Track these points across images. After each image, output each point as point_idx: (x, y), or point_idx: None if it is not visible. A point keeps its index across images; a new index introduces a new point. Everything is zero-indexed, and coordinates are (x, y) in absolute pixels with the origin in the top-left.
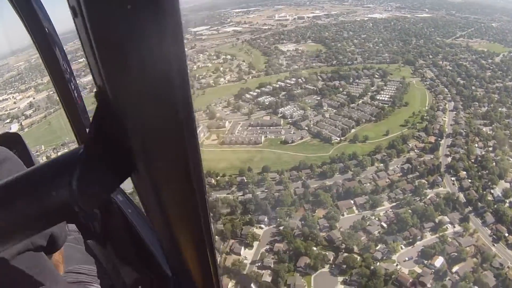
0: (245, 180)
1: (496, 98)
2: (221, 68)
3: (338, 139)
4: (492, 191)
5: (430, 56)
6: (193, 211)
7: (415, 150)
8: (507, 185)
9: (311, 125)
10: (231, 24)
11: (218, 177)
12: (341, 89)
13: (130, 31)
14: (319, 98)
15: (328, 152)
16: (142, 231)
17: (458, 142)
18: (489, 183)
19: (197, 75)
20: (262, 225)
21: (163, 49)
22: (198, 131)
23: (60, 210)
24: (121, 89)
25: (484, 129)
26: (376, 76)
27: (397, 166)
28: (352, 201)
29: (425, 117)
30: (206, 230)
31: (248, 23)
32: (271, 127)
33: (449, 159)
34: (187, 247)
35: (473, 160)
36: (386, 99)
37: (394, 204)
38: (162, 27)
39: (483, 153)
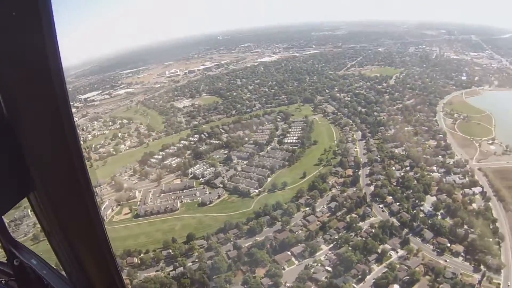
0: (172, 253)
1: (400, 119)
2: (119, 134)
3: (257, 191)
4: (422, 208)
5: (327, 91)
6: (88, 220)
7: (337, 187)
8: (434, 198)
9: (226, 182)
10: (122, 86)
11: (142, 255)
12: (246, 138)
13: (26, 65)
14: (226, 151)
15: (250, 207)
16: (55, 285)
17: (375, 169)
18: (417, 201)
19: (93, 145)
20: None
21: (49, 82)
22: (96, 195)
23: None
24: (20, 115)
25: (396, 151)
26: (279, 119)
27: (323, 207)
28: (289, 253)
29: (337, 151)
30: (104, 243)
31: (139, 83)
32: (184, 191)
33: (372, 187)
34: (90, 263)
35: (395, 183)
36: (294, 141)
37: (332, 245)
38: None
39: (402, 174)
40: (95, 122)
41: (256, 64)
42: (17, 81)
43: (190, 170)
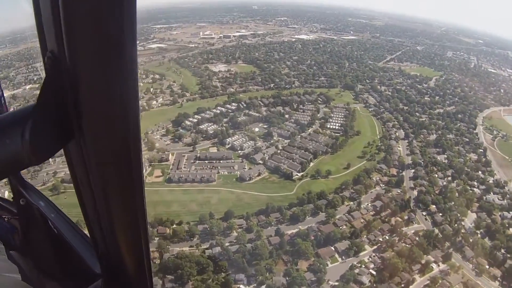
0: (208, 229)
1: (441, 125)
2: (152, 89)
3: (299, 174)
4: (463, 223)
5: (367, 81)
6: (130, 193)
7: (381, 185)
8: (474, 215)
9: (266, 159)
10: (155, 40)
11: (174, 225)
12: (287, 116)
13: (95, 9)
14: (266, 126)
15: (292, 191)
16: (67, 235)
17: (419, 173)
18: (459, 215)
19: None
20: (242, 286)
21: (119, 31)
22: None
23: (12, 160)
24: (79, 57)
25: (438, 157)
26: (319, 101)
27: (368, 204)
28: (332, 248)
29: (380, 147)
30: (140, 206)
31: (172, 40)
32: (221, 161)
33: (415, 192)
34: (120, 228)
35: (437, 192)
36: (337, 127)
37: (375, 247)
38: (120, 11)
39: (445, 183)
40: None
41: (293, 40)
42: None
43: (228, 140)
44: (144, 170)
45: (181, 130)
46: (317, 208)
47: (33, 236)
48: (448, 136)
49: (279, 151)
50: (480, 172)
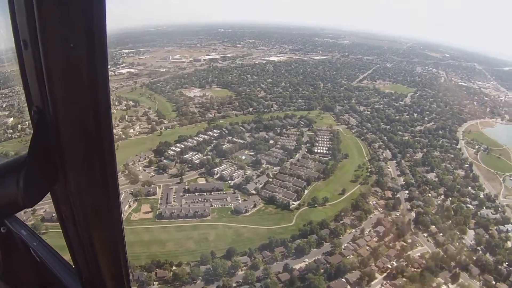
0: (212, 270)
1: (425, 142)
2: (127, 116)
3: (295, 203)
4: (463, 241)
5: (345, 101)
6: (110, 225)
7: (379, 209)
8: (472, 232)
9: (260, 189)
10: (124, 65)
11: (174, 267)
12: (271, 141)
13: (72, 63)
14: (252, 153)
15: (292, 221)
16: (50, 263)
17: (413, 194)
18: (458, 234)
19: None
20: None
21: (93, 80)
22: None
23: (7, 204)
24: (61, 111)
25: (428, 176)
26: (302, 125)
27: (371, 230)
28: (344, 279)
29: (371, 169)
30: (119, 234)
31: (142, 64)
32: (212, 193)
33: (413, 213)
34: (102, 255)
35: (434, 212)
36: (324, 151)
37: (385, 274)
38: (93, 61)
39: (439, 202)
40: None
41: (264, 62)
42: (61, 72)
43: (215, 169)
44: (125, 206)
45: (164, 160)
46: (321, 239)
47: (15, 264)
48: (433, 153)
49: (271, 180)
50: (469, 187)
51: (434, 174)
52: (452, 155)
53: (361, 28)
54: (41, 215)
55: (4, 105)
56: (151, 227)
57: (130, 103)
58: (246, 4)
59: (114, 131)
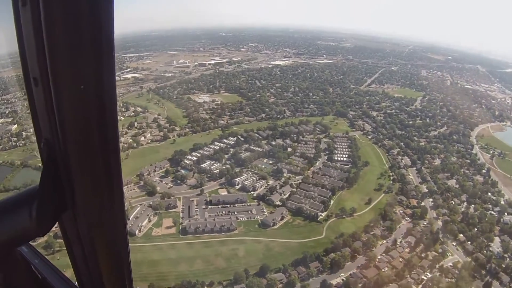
0: None
1: (441, 148)
2: (136, 123)
3: (323, 214)
4: (491, 249)
5: (357, 106)
6: (116, 247)
7: (406, 218)
8: (497, 239)
9: (285, 200)
10: (128, 70)
11: None
12: (290, 149)
13: (81, 99)
14: (271, 162)
15: (322, 234)
16: (52, 280)
17: (438, 202)
18: (486, 241)
19: None
20: None
21: (101, 114)
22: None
23: (21, 233)
24: (70, 143)
25: (449, 182)
26: (318, 131)
27: (402, 241)
28: None
29: (393, 177)
30: (125, 253)
31: (146, 69)
32: (236, 205)
33: (440, 222)
34: (107, 273)
35: (460, 219)
36: (344, 159)
37: (421, 286)
38: (101, 99)
39: (463, 209)
40: None
41: (270, 66)
42: (70, 107)
43: (236, 180)
44: (144, 220)
45: (182, 170)
46: (354, 251)
47: (16, 281)
48: (451, 159)
49: (295, 190)
50: (489, 193)
51: (454, 180)
52: (468, 161)
53: (361, 30)
54: (53, 232)
55: (6, 112)
56: (175, 243)
57: (138, 109)
58: (242, 7)
59: (123, 138)
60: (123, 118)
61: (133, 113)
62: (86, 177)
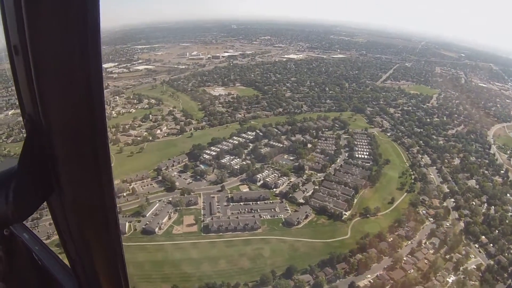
0: None
1: (460, 147)
2: (151, 116)
3: (347, 213)
4: None
5: (374, 103)
6: (106, 232)
7: (430, 219)
8: None
9: (308, 197)
10: (140, 61)
11: None
12: (310, 145)
13: (64, 70)
14: (292, 158)
15: (347, 234)
16: (51, 268)
17: (459, 202)
18: (507, 244)
19: (121, 124)
20: None
21: (86, 87)
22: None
23: None
24: (53, 119)
25: (469, 183)
26: (336, 127)
27: (426, 242)
28: None
29: (414, 176)
30: (116, 239)
31: (159, 60)
32: (258, 202)
33: (462, 223)
34: (100, 260)
35: (481, 221)
36: (365, 157)
37: None
38: (86, 67)
39: (484, 210)
40: (117, 97)
41: (284, 59)
42: (52, 78)
43: (258, 176)
44: (164, 217)
45: (201, 165)
46: (380, 252)
47: (17, 267)
48: (470, 159)
49: (317, 187)
50: (508, 195)
51: (474, 181)
52: (487, 161)
53: (372, 25)
54: None
55: (17, 103)
56: (198, 242)
57: (152, 101)
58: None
59: (139, 132)
60: (134, 111)
61: (147, 105)
62: (72, 158)
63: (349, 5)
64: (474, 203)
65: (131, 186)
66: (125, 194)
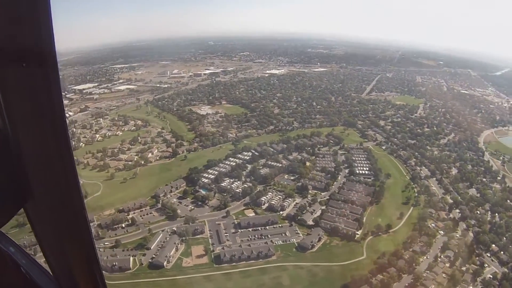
0: None
1: (455, 156)
2: (139, 138)
3: (359, 233)
4: None
5: (363, 116)
6: (78, 226)
7: (440, 231)
8: None
9: (318, 219)
10: (121, 81)
11: None
12: (308, 163)
13: (24, 83)
14: (293, 178)
15: (363, 254)
16: (39, 280)
17: (464, 212)
18: None
19: (109, 148)
20: None
21: (48, 99)
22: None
23: None
24: (20, 131)
25: (470, 192)
26: (331, 143)
27: (441, 255)
28: None
29: (417, 189)
30: (89, 240)
31: (140, 80)
32: (267, 227)
33: (471, 233)
34: (76, 262)
35: (488, 229)
36: (366, 172)
37: None
38: (45, 79)
39: (489, 218)
40: (101, 119)
41: (266, 75)
42: (14, 87)
43: (262, 199)
44: (171, 250)
45: (201, 190)
46: (399, 270)
47: (6, 281)
48: (467, 167)
49: (325, 208)
50: (509, 201)
51: (474, 189)
52: (483, 168)
53: (346, 36)
54: None
55: None
56: (211, 274)
57: (139, 122)
58: (225, 16)
59: (130, 156)
60: (121, 133)
61: (134, 127)
62: (41, 168)
63: (322, 16)
64: (478, 212)
65: (130, 216)
66: (124, 225)
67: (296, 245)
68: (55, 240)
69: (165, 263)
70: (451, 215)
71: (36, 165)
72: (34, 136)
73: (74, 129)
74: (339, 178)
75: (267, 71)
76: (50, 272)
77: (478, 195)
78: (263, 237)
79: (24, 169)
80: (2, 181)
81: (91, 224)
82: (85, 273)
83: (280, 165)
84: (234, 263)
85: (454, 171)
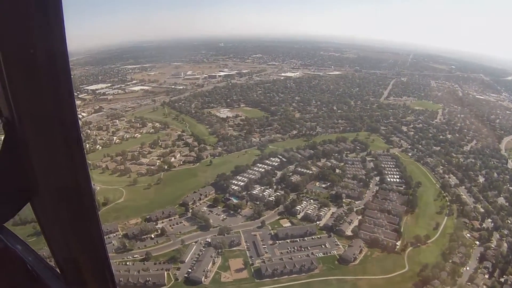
0: None
1: (480, 164)
2: (160, 141)
3: (398, 244)
4: None
5: (385, 121)
6: (87, 223)
7: (476, 242)
8: None
9: (357, 230)
10: (134, 82)
11: None
12: (338, 170)
13: (33, 71)
14: (324, 185)
15: (405, 267)
16: (46, 278)
17: (497, 222)
18: None
19: (128, 151)
20: None
21: (56, 89)
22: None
23: None
24: (27, 122)
25: (499, 200)
26: (358, 149)
27: (480, 266)
28: None
29: (449, 198)
30: (99, 237)
31: (154, 81)
32: (306, 239)
33: (505, 243)
34: (85, 259)
35: None
36: (397, 180)
37: None
38: (54, 69)
39: None
40: (117, 120)
41: (282, 78)
42: (23, 81)
43: (297, 208)
44: (208, 264)
45: (232, 198)
46: (444, 283)
47: (13, 278)
48: (493, 175)
49: (362, 217)
50: None
51: (503, 198)
52: (508, 176)
53: (357, 39)
54: None
55: None
56: None
57: (157, 124)
58: (233, 17)
59: (152, 160)
60: (139, 135)
61: (152, 130)
62: (49, 161)
63: (330, 19)
64: (509, 221)
65: (159, 226)
66: (153, 236)
67: (338, 257)
68: (63, 236)
69: (202, 278)
70: (484, 225)
71: (43, 160)
72: (43, 132)
73: (89, 131)
74: (371, 186)
75: (282, 74)
76: (57, 269)
77: (507, 204)
78: (303, 249)
79: (31, 163)
80: (8, 175)
81: (107, 231)
82: (93, 271)
83: (310, 172)
84: (276, 278)
85: (481, 179)
